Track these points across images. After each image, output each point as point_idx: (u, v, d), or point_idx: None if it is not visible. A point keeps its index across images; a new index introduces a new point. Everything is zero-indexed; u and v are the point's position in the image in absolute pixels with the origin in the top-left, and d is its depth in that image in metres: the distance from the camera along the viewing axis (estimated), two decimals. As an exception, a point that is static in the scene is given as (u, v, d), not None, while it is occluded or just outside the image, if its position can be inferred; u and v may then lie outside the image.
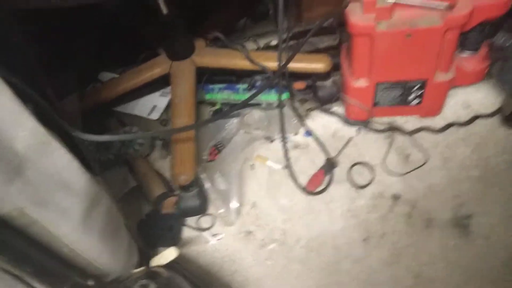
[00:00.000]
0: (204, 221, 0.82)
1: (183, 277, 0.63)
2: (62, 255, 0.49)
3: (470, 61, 0.83)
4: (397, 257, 0.71)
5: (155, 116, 1.04)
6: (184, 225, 0.82)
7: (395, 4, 0.72)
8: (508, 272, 0.66)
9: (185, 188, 0.81)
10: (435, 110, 0.88)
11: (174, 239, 0.78)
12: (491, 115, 0.86)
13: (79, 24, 1.03)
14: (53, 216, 0.45)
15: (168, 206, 0.83)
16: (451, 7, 0.71)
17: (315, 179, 0.83)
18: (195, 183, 0.81)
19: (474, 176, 0.78)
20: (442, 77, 0.81)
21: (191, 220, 0.82)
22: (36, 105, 0.42)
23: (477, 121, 0.85)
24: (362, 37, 0.76)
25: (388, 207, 0.77)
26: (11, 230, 0.42)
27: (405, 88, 0.83)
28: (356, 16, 0.75)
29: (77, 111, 0.88)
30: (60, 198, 0.45)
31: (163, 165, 0.93)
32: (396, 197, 0.78)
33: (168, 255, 0.65)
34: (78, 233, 0.49)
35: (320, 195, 0.80)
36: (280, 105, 0.70)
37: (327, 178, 0.82)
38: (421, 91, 0.83)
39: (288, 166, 0.72)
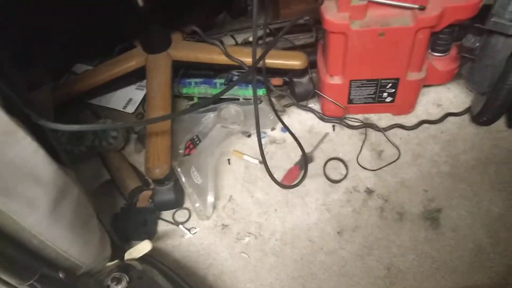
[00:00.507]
0: (180, 215, 0.82)
1: (157, 270, 0.63)
2: (30, 247, 0.47)
3: (440, 61, 0.86)
4: (370, 249, 0.72)
5: (130, 109, 1.03)
6: (159, 219, 0.81)
7: (368, 3, 0.74)
8: (475, 262, 0.69)
9: (160, 181, 0.80)
10: (408, 108, 0.91)
11: (149, 233, 0.78)
12: (461, 113, 0.89)
13: (53, 14, 1.00)
14: (19, 207, 0.44)
15: (143, 200, 0.82)
16: (422, 8, 0.73)
17: (290, 174, 0.83)
18: (170, 177, 0.81)
19: (444, 172, 0.81)
20: (414, 76, 0.83)
21: (166, 214, 0.82)
22: (2, 94, 0.41)
23: (448, 119, 0.88)
24: (336, 34, 0.77)
25: (362, 201, 0.79)
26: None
27: (378, 86, 0.85)
28: (331, 14, 0.76)
29: (49, 102, 0.85)
30: (26, 188, 0.43)
31: (138, 159, 0.92)
32: (369, 192, 0.80)
33: (142, 248, 0.65)
34: (47, 224, 0.47)
35: (296, 189, 0.81)
36: (255, 100, 0.70)
37: (302, 173, 0.83)
38: (394, 90, 0.86)
39: (263, 159, 0.72)
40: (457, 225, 0.73)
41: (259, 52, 0.75)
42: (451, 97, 0.93)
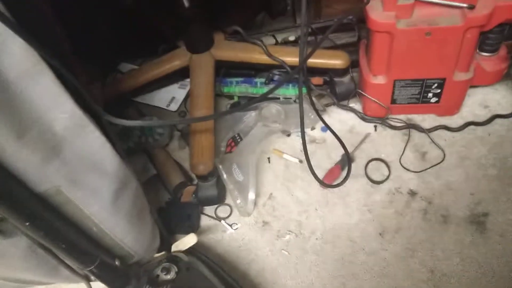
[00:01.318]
0: (222, 210, 0.84)
1: (203, 263, 0.65)
2: (91, 234, 0.51)
3: (489, 61, 0.83)
4: (412, 251, 0.72)
5: (173, 107, 1.06)
6: (202, 213, 0.84)
7: (416, 2, 0.73)
8: (522, 270, 0.67)
9: (203, 178, 0.82)
10: (453, 109, 0.89)
11: (192, 227, 0.80)
12: (509, 115, 0.86)
13: (99, 14, 1.05)
14: (86, 196, 0.47)
15: (187, 195, 0.85)
16: (471, 7, 0.71)
17: (331, 174, 0.84)
18: (213, 174, 0.83)
19: (491, 175, 0.78)
20: (461, 76, 0.81)
21: (209, 210, 0.84)
22: (73, 89, 0.44)
23: (495, 121, 0.86)
24: (382, 34, 0.77)
25: (404, 202, 0.78)
26: (49, 207, 0.44)
27: (424, 86, 0.84)
28: (377, 13, 0.76)
29: (100, 100, 0.90)
30: (93, 179, 0.47)
31: (181, 155, 0.95)
32: (412, 193, 0.79)
33: (187, 241, 0.67)
34: (107, 213, 0.50)
35: (336, 189, 0.81)
36: (300, 100, 0.71)
37: (343, 173, 0.83)
38: (440, 90, 0.84)
39: (306, 157, 0.73)
40: (504, 230, 0.71)
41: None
42: (499, 98, 0.90)
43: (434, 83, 0.83)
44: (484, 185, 0.77)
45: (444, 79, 0.82)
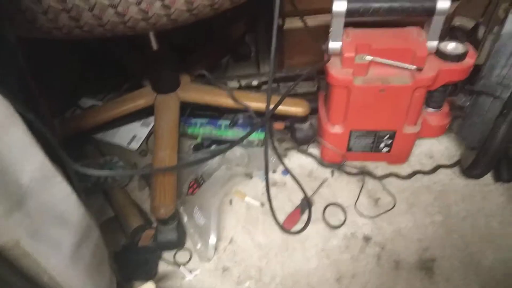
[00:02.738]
0: (181, 255, 0.82)
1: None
2: (41, 283, 0.48)
3: (434, 116, 0.92)
4: (367, 297, 0.75)
5: (134, 146, 1.05)
6: (160, 259, 0.82)
7: (371, 62, 0.80)
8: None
9: (163, 221, 0.81)
10: (403, 158, 0.96)
11: (150, 273, 0.78)
12: (452, 165, 0.94)
13: (60, 47, 1.04)
14: (45, 249, 0.45)
15: (145, 239, 0.82)
16: (420, 69, 0.79)
17: (291, 218, 0.86)
18: (174, 217, 0.82)
19: (437, 221, 0.85)
20: (410, 129, 0.89)
21: (167, 255, 0.82)
22: (42, 137, 0.43)
23: (440, 170, 0.94)
24: (340, 88, 0.83)
25: (360, 248, 0.81)
26: (2, 261, 0.42)
27: (377, 137, 0.90)
28: (336, 70, 0.82)
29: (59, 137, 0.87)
30: (55, 231, 0.45)
31: (141, 196, 0.93)
32: (367, 239, 0.83)
33: (147, 289, 0.65)
34: (65, 266, 0.48)
35: (296, 234, 0.83)
36: (266, 145, 0.74)
37: (303, 217, 0.86)
38: (391, 141, 0.91)
39: (269, 203, 0.75)
40: (450, 276, 0.76)
41: (263, 98, 0.80)
42: (442, 149, 0.99)
43: (386, 135, 0.90)
44: (431, 231, 0.83)
45: (395, 131, 0.89)
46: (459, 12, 1.09)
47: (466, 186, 0.90)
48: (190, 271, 0.80)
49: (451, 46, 0.83)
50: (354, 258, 0.80)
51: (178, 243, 0.83)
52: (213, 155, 0.72)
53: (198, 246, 0.82)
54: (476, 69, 0.85)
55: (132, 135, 1.07)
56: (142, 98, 1.01)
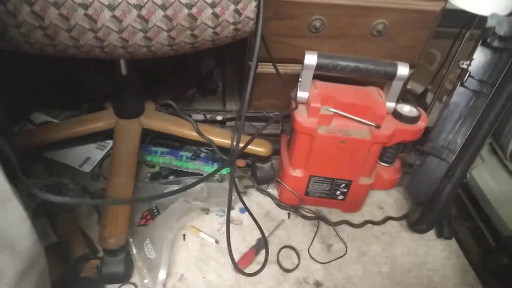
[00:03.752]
0: (126, 290, 0.78)
1: None
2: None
3: (386, 171, 0.98)
4: None
5: (87, 168, 1.00)
6: (103, 293, 0.76)
7: (334, 114, 0.85)
8: None
9: (111, 252, 0.77)
10: (356, 207, 1.00)
11: (90, 308, 0.72)
12: (400, 218, 1.00)
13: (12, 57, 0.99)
14: (-14, 277, 0.41)
15: (89, 269, 0.77)
16: (378, 127, 0.85)
17: (246, 258, 0.85)
18: (123, 248, 0.78)
19: (384, 272, 0.88)
20: (364, 180, 0.94)
21: (111, 288, 0.77)
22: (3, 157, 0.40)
23: (388, 222, 0.98)
24: (304, 135, 0.86)
25: (310, 293, 0.82)
26: None
27: (334, 184, 0.94)
28: (302, 117, 0.86)
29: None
30: (1, 258, 0.41)
31: (88, 223, 0.88)
32: (318, 285, 0.83)
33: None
34: (4, 297, 0.44)
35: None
36: (231, 181, 0.74)
37: (257, 258, 0.85)
38: (346, 189, 0.95)
39: (227, 240, 0.74)
40: (394, 327, 0.79)
41: (228, 134, 0.80)
42: (391, 202, 1.05)
43: (342, 183, 0.93)
44: (378, 282, 0.86)
45: (351, 181, 0.93)
46: (410, 77, 1.20)
47: (412, 240, 0.96)
48: (134, 309, 0.75)
49: (406, 109, 0.90)
50: (304, 304, 0.80)
51: (124, 277, 0.78)
52: (179, 191, 0.70)
53: (146, 281, 0.78)
54: (427, 131, 0.93)
55: (86, 157, 1.03)
56: (103, 120, 0.97)
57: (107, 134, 0.97)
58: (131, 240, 0.83)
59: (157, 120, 1.00)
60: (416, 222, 0.92)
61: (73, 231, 0.83)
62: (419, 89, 1.37)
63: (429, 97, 1.32)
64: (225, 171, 1.00)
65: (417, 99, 1.39)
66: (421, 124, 0.89)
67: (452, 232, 0.96)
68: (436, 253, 0.93)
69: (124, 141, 0.93)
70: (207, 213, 0.95)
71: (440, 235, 0.97)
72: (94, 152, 1.05)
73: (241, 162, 1.04)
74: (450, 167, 0.88)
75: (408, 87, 1.32)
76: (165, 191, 0.91)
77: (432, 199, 0.89)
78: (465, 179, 0.88)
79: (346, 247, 0.91)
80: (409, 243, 0.95)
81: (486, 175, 0.94)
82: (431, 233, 0.97)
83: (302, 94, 0.86)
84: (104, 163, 1.03)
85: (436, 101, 1.19)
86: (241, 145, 0.91)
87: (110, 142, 1.07)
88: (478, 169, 0.96)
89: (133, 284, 0.79)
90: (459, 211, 1.03)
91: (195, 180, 0.89)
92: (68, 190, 0.88)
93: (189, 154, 1.00)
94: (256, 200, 1.00)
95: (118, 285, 0.78)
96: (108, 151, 1.06)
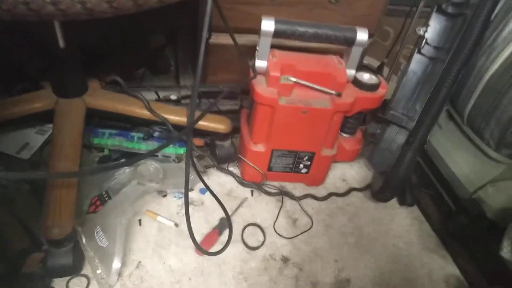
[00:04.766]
0: (76, 283, 0.70)
1: None
2: None
3: (348, 141, 0.97)
4: (285, 322, 0.71)
5: (25, 155, 0.90)
6: (50, 287, 0.68)
7: (295, 83, 0.81)
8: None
9: (57, 243, 0.68)
10: (319, 180, 0.98)
11: (35, 306, 0.64)
12: (363, 189, 0.99)
13: None
14: None
15: (31, 264, 0.68)
16: (339, 95, 0.83)
17: (209, 239, 0.80)
18: (70, 238, 0.70)
19: (351, 243, 0.86)
20: (327, 152, 0.91)
21: (59, 282, 0.69)
22: None
23: (352, 193, 0.97)
24: (265, 106, 0.82)
25: (278, 269, 0.78)
26: None
27: (297, 157, 0.91)
28: (262, 88, 0.81)
29: None
30: None
31: (29, 213, 0.78)
32: (285, 260, 0.80)
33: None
34: None
35: (213, 256, 0.77)
36: (188, 156, 0.68)
37: (221, 238, 0.81)
38: (309, 162, 0.92)
39: (187, 221, 0.68)
40: (363, 296, 0.78)
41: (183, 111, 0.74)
42: (354, 173, 1.04)
43: (305, 156, 0.91)
44: (346, 252, 0.84)
45: (314, 153, 0.90)
46: (367, 53, 1.19)
47: (376, 209, 0.95)
48: (87, 302, 0.68)
49: (366, 77, 0.89)
50: (272, 280, 0.76)
51: (74, 269, 0.70)
52: (126, 163, 0.63)
53: (98, 271, 0.70)
54: (384, 103, 0.92)
55: (24, 142, 0.92)
56: (40, 100, 0.87)
57: (47, 117, 0.87)
58: (79, 229, 0.75)
59: (103, 99, 0.91)
60: (379, 191, 0.92)
61: (11, 224, 0.73)
62: (375, 64, 1.38)
63: (386, 71, 1.33)
64: (182, 150, 0.93)
65: (374, 74, 1.40)
66: (381, 92, 0.88)
67: (414, 199, 0.97)
68: (400, 220, 0.94)
69: (65, 122, 0.84)
70: (164, 196, 0.88)
71: (402, 203, 0.97)
72: (34, 138, 0.94)
73: (199, 141, 0.98)
74: (410, 133, 0.88)
75: (365, 62, 1.32)
76: (116, 174, 0.84)
77: (394, 166, 0.89)
78: (425, 145, 0.89)
79: (312, 220, 0.89)
80: (374, 213, 0.94)
81: (444, 141, 0.95)
82: (394, 202, 0.98)
83: (260, 64, 0.82)
84: (45, 149, 0.93)
85: (392, 74, 1.20)
86: (200, 122, 0.86)
87: (52, 126, 0.97)
88: (436, 136, 0.97)
89: (85, 276, 0.72)
90: (420, 179, 1.04)
91: (148, 161, 0.84)
92: (0, 180, 0.77)
93: (141, 135, 0.93)
94: (217, 180, 0.95)
95: (68, 278, 0.70)
96: (49, 136, 0.96)
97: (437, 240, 0.91)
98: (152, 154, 0.67)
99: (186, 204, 0.66)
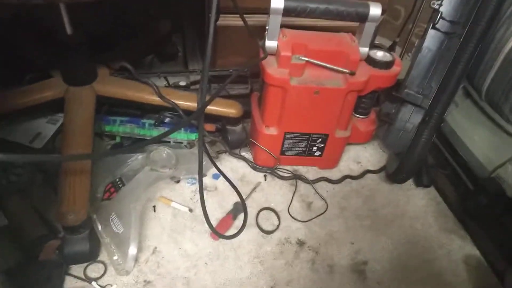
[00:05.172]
0: (93, 269, 0.70)
1: None
2: None
3: (362, 122, 0.95)
4: (303, 304, 0.71)
5: (38, 144, 0.89)
6: (66, 274, 0.68)
7: (306, 63, 0.79)
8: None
9: (73, 230, 0.69)
10: (333, 162, 0.96)
11: (53, 293, 0.65)
12: (378, 171, 0.97)
13: None
14: None
15: (48, 251, 0.69)
16: (352, 73, 0.81)
17: (223, 223, 0.80)
18: (86, 225, 0.70)
19: (366, 225, 0.85)
20: (341, 133, 0.90)
21: (76, 269, 0.70)
22: None
23: (367, 176, 0.96)
24: (276, 88, 0.80)
25: (294, 253, 0.78)
26: None
27: (310, 140, 0.89)
28: (272, 69, 0.79)
29: None
30: None
31: (44, 202, 0.78)
32: (301, 243, 0.80)
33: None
34: None
35: (228, 241, 0.77)
36: (200, 144, 0.67)
37: (235, 223, 0.80)
38: (323, 145, 0.90)
39: (202, 205, 0.67)
40: (381, 278, 0.76)
41: (193, 97, 0.73)
42: (368, 156, 1.02)
43: (318, 138, 0.89)
44: (361, 234, 0.83)
45: (327, 135, 0.89)
46: (378, 32, 1.16)
47: (391, 191, 0.93)
48: (104, 287, 0.68)
49: (380, 54, 0.86)
50: (288, 263, 0.76)
51: (90, 255, 0.70)
52: (137, 147, 0.62)
53: (115, 257, 0.71)
54: (398, 82, 0.89)
55: (36, 132, 0.92)
56: (50, 89, 0.87)
57: (58, 106, 0.87)
58: (94, 216, 0.75)
59: (113, 86, 0.90)
60: (395, 173, 0.90)
61: (25, 212, 0.73)
62: (387, 43, 1.34)
63: (398, 51, 1.29)
64: (194, 136, 0.93)
65: (388, 51, 1.37)
66: (396, 69, 0.85)
67: (431, 180, 0.95)
68: (416, 201, 0.92)
69: (76, 110, 0.83)
70: (177, 182, 0.88)
71: (419, 184, 0.95)
72: (45, 127, 0.94)
73: (210, 127, 0.97)
74: (427, 112, 0.85)
75: (376, 42, 1.29)
76: (128, 160, 0.84)
77: (410, 147, 0.87)
78: (441, 124, 0.86)
79: (327, 203, 0.88)
80: (389, 195, 0.93)
81: (461, 119, 0.92)
82: (410, 183, 0.96)
83: (270, 44, 0.80)
84: (58, 138, 0.93)
85: (405, 53, 1.16)
86: (211, 107, 0.85)
87: (63, 115, 0.97)
88: (452, 115, 0.95)
89: (102, 262, 0.72)
90: (436, 160, 1.01)
91: (160, 147, 0.83)
92: (14, 169, 0.77)
93: (152, 121, 0.92)
94: (230, 165, 0.94)
95: (85, 265, 0.71)
96: (61, 125, 0.96)
97: (454, 220, 0.89)
98: (162, 138, 0.66)
99: (201, 187, 0.65)
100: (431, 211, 0.90)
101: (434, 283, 0.77)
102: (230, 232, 0.79)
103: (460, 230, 0.87)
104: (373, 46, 0.89)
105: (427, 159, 0.96)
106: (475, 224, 0.88)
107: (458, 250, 0.83)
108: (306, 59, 0.79)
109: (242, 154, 0.95)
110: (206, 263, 0.74)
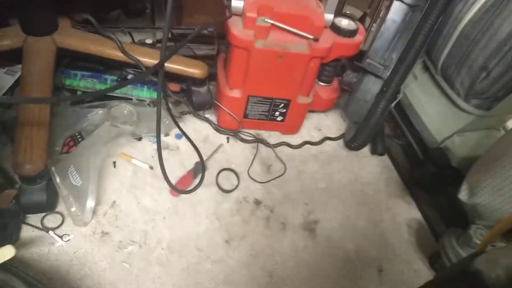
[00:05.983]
0: (50, 220, 0.71)
1: (20, 280, 0.53)
2: None
3: (325, 90, 0.97)
4: (255, 257, 0.75)
5: (-6, 95, 0.87)
6: (23, 223, 0.69)
7: (271, 26, 0.80)
8: (343, 268, 0.77)
9: (30, 180, 0.69)
10: (295, 128, 0.99)
11: (9, 239, 0.65)
12: (336, 138, 1.01)
13: None
14: None
15: (4, 200, 0.69)
16: (316, 39, 0.82)
17: (183, 181, 0.82)
18: (43, 175, 0.70)
19: (321, 188, 0.90)
20: (303, 100, 0.92)
21: (33, 218, 0.70)
22: None
23: (326, 142, 1.00)
24: (240, 49, 0.81)
25: (250, 211, 0.81)
26: None
27: (272, 104, 0.91)
28: (237, 29, 0.79)
29: None
30: None
31: (3, 154, 0.78)
32: (257, 202, 0.83)
33: (2, 254, 0.54)
34: None
35: (187, 198, 0.79)
36: (159, 100, 0.68)
37: (195, 181, 0.82)
38: (285, 110, 0.93)
39: (160, 161, 0.69)
40: (330, 236, 0.82)
41: (157, 54, 0.73)
42: (329, 123, 1.06)
43: (281, 103, 0.91)
44: (316, 196, 0.88)
45: (289, 101, 0.91)
46: (349, 2, 1.17)
47: (348, 157, 0.98)
48: (61, 237, 0.69)
49: (344, 22, 0.88)
50: (244, 220, 0.79)
51: (47, 206, 0.71)
52: (94, 98, 0.62)
53: (73, 209, 0.71)
54: (361, 53, 0.92)
55: (-8, 83, 0.89)
56: (8, 38, 0.83)
57: (17, 56, 0.84)
58: (53, 168, 0.75)
59: (74, 38, 0.87)
60: (351, 139, 0.94)
61: (-20, 161, 0.72)
62: (358, 14, 1.35)
63: (368, 21, 1.31)
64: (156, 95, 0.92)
65: (353, 20, 1.38)
66: (359, 38, 0.87)
67: (385, 149, 1.00)
68: (370, 168, 0.97)
69: (34, 60, 0.81)
70: (139, 139, 0.88)
71: (374, 152, 1.00)
72: (3, 78, 0.91)
73: (175, 86, 0.96)
74: (385, 82, 0.89)
75: (347, 11, 1.30)
76: (88, 115, 0.83)
77: (366, 115, 0.90)
78: (398, 94, 0.90)
79: (285, 167, 0.91)
80: (345, 161, 0.97)
81: (418, 92, 0.97)
82: (366, 150, 1.00)
83: (236, 3, 0.79)
84: (16, 90, 0.90)
85: (373, 24, 1.18)
86: (171, 65, 0.84)
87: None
88: (410, 87, 0.99)
89: (59, 213, 0.73)
90: (393, 131, 1.06)
91: (122, 104, 0.83)
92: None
93: (115, 77, 0.91)
94: (193, 126, 0.95)
95: (42, 215, 0.71)
96: (19, 77, 0.93)
97: (403, 187, 0.95)
98: (115, 88, 0.66)
99: (158, 142, 0.67)
100: (383, 178, 0.96)
101: (380, 243, 0.83)
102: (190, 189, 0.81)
103: (407, 196, 0.93)
104: (342, 14, 0.90)
105: (383, 128, 1.01)
106: (421, 191, 0.94)
107: (403, 214, 0.89)
108: (272, 21, 0.79)
109: (206, 115, 0.96)
110: (164, 218, 0.76)
